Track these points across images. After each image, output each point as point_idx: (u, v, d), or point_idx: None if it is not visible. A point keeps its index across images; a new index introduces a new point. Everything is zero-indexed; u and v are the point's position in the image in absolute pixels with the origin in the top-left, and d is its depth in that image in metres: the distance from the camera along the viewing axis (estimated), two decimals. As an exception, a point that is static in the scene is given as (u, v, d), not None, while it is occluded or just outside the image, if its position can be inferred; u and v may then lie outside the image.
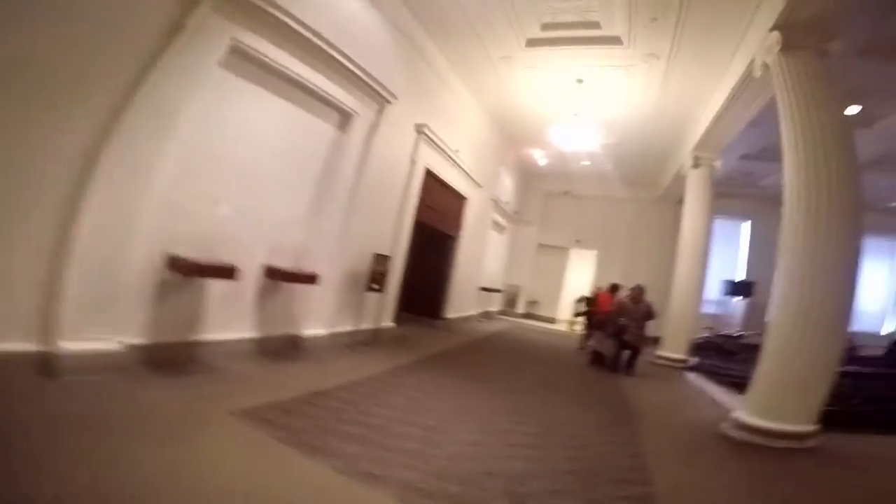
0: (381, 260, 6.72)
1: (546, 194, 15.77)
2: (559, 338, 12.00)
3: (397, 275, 7.70)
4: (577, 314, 10.60)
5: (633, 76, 8.03)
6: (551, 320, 15.08)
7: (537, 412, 4.76)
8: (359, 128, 6.17)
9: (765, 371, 4.62)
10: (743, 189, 13.05)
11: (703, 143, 9.03)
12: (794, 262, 4.55)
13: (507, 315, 15.01)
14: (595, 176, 14.08)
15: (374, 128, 6.40)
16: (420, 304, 9.95)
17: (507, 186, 14.11)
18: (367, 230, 6.68)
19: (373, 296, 6.82)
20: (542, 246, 15.68)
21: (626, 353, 8.10)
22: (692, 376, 8.45)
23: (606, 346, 8.21)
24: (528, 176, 15.35)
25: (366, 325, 6.90)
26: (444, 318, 10.24)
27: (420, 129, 7.80)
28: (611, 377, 7.53)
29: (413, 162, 7.77)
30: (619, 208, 14.74)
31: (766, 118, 8.22)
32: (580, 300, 10.52)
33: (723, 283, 12.85)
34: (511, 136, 12.29)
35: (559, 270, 15.50)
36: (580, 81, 8.45)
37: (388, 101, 6.44)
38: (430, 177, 8.54)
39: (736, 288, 12.59)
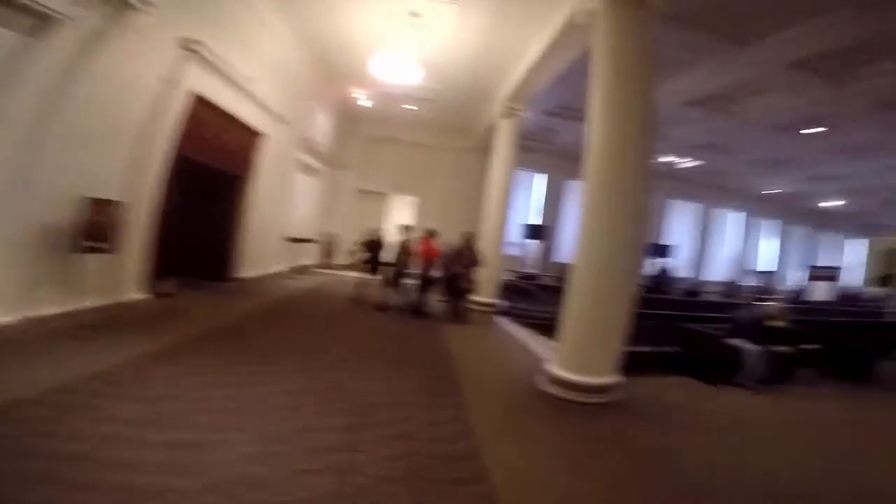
0: (104, 207, 4.59)
1: (367, 138, 14.51)
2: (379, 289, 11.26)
3: (144, 226, 5.58)
4: (363, 261, 8.62)
5: (467, 16, 7.44)
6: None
7: (347, 393, 3.82)
8: (70, 36, 4.09)
9: (569, 326, 4.59)
10: (542, 144, 14.00)
11: (517, 93, 9.04)
12: (593, 219, 4.54)
13: (326, 268, 13.56)
14: (417, 122, 13.54)
15: (99, 37, 4.38)
16: (199, 264, 7.84)
17: (323, 127, 12.35)
18: (75, 165, 4.44)
19: (97, 258, 4.68)
20: (361, 192, 14.47)
21: (444, 304, 7.81)
22: (502, 321, 8.66)
23: (400, 294, 8.17)
24: (350, 118, 13.87)
25: (91, 302, 4.76)
26: (237, 279, 8.33)
27: (188, 46, 5.75)
28: (431, 329, 7.14)
29: (171, 84, 5.59)
30: (438, 155, 14.44)
31: (575, 74, 8.24)
32: (364, 244, 8.70)
33: (521, 227, 13.82)
34: (332, 74, 10.78)
35: (380, 217, 14.63)
36: (415, 15, 7.37)
37: (134, 7, 4.56)
38: (204, 105, 6.44)
39: (531, 231, 13.71)
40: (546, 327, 7.33)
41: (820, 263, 18.28)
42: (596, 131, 4.65)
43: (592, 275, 4.47)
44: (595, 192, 4.56)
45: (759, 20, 6.57)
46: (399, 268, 8.07)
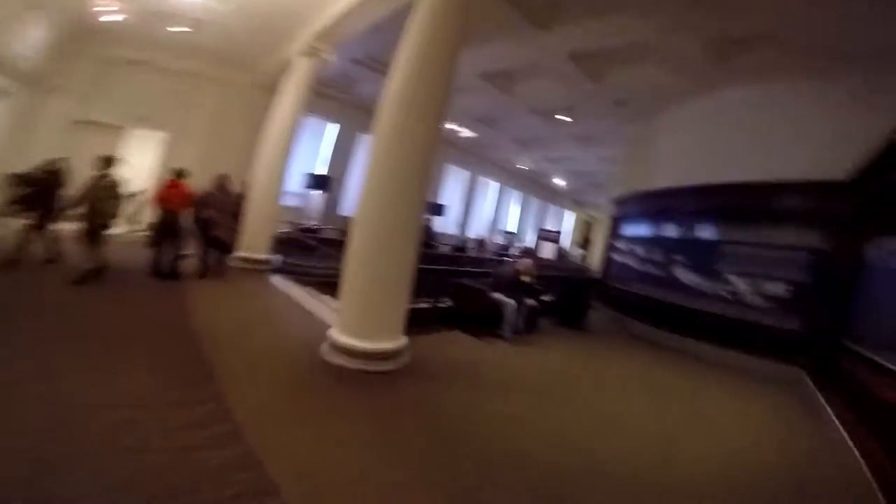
0: None
1: (107, 60, 10.52)
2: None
3: None
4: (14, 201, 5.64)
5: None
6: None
7: (37, 400, 2.53)
8: None
9: (352, 287, 4.31)
10: (339, 93, 12.82)
11: (327, 32, 8.01)
12: (381, 173, 4.35)
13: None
14: (186, 46, 10.43)
15: None
16: None
17: (31, 37, 8.42)
18: None
19: None
20: (81, 123, 10.46)
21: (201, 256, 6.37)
22: (277, 279, 7.71)
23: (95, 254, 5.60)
24: (84, 33, 9.77)
25: None
26: None
27: None
28: (177, 294, 5.70)
29: None
30: (204, 88, 11.69)
31: (393, 25, 7.71)
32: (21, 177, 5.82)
33: (304, 176, 12.62)
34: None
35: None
36: None
37: None
38: None
39: (316, 182, 12.67)
40: (330, 285, 6.70)
41: (547, 227, 23.04)
42: (397, 84, 4.36)
43: (377, 232, 4.24)
44: (385, 147, 4.32)
45: (565, 9, 7.13)
46: (93, 218, 5.46)
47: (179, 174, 6.61)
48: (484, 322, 6.31)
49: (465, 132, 15.66)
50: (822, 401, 5.47)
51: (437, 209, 15.64)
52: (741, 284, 8.10)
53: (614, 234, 11.82)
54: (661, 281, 9.57)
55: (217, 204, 6.96)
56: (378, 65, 10.83)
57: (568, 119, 12.52)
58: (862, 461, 3.79)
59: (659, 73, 8.54)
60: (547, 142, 15.51)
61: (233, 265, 7.92)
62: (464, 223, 19.03)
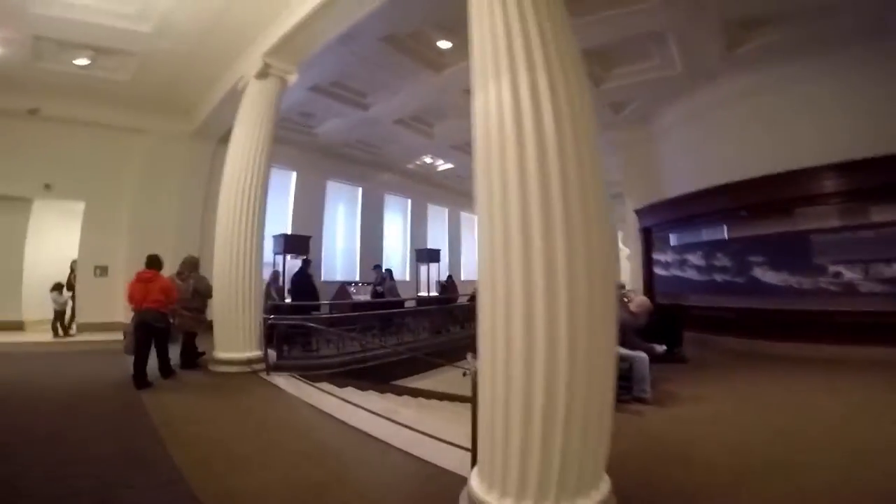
0: None
1: None
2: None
3: None
4: None
5: None
6: (16, 326, 7.89)
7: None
8: None
9: (506, 406, 2.09)
10: (296, 134, 10.60)
11: (285, 43, 6.01)
12: None
13: None
14: (95, 88, 7.94)
15: None
16: None
17: None
18: None
19: None
20: None
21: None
22: (282, 380, 5.17)
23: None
24: None
25: None
26: None
27: None
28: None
29: None
30: (127, 142, 9.06)
31: (365, 34, 6.31)
32: None
33: (275, 239, 9.97)
34: None
35: (14, 237, 8.22)
36: None
37: None
38: None
39: (290, 244, 10.05)
40: (355, 375, 5.60)
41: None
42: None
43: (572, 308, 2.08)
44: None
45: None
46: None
47: (153, 262, 5.14)
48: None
49: (442, 164, 13.91)
50: None
51: (434, 255, 13.47)
52: (850, 273, 6.58)
53: (649, 246, 10.14)
54: (737, 287, 7.88)
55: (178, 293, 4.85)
56: (346, 92, 8.91)
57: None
58: None
59: (664, 68, 7.60)
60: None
61: (212, 369, 5.39)
62: (454, 265, 16.90)
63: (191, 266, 5.91)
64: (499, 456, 2.09)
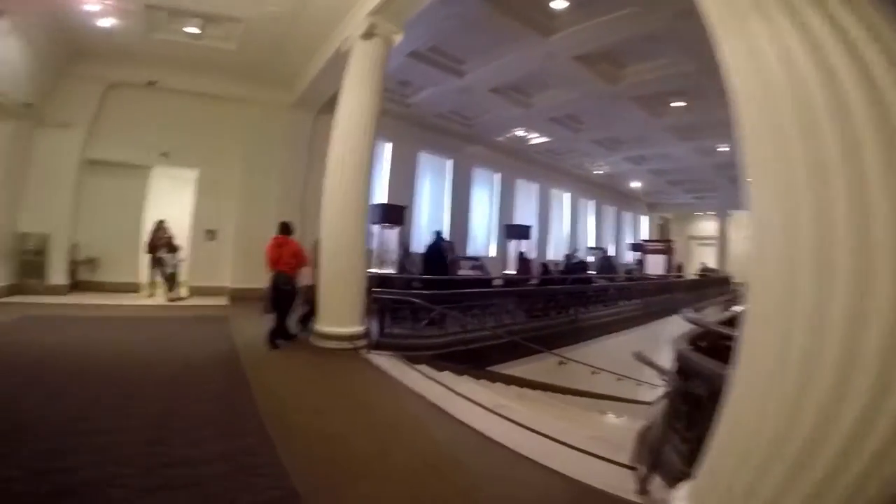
0: None
1: (109, 84, 8.28)
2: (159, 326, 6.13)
3: None
4: None
5: None
6: (133, 288, 8.40)
7: None
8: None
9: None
10: (392, 105, 10.25)
11: (389, 2, 5.45)
12: None
13: (29, 293, 7.36)
14: (201, 59, 8.09)
15: None
16: None
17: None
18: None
19: None
20: (96, 163, 8.34)
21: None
22: (383, 360, 4.93)
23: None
24: (74, 51, 7.61)
25: None
26: None
27: None
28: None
29: None
30: (235, 112, 9.22)
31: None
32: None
33: (373, 208, 9.82)
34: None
35: (135, 202, 8.80)
36: None
37: None
38: None
39: (387, 214, 9.90)
40: (464, 357, 5.20)
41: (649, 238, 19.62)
42: None
43: None
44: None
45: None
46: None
47: (285, 228, 5.34)
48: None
49: (536, 137, 12.89)
50: None
51: (524, 232, 12.73)
52: None
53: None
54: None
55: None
56: (443, 58, 8.31)
57: (681, 104, 9.62)
58: None
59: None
60: (638, 139, 12.52)
61: (315, 343, 5.29)
62: (542, 244, 16.00)
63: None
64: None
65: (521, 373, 6.78)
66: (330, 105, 8.13)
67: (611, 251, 18.81)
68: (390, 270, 9.39)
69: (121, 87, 8.34)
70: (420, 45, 7.77)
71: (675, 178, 17.08)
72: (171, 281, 8.16)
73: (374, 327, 5.57)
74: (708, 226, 23.19)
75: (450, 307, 5.82)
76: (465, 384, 4.76)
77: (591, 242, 18.67)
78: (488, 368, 6.34)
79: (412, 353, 5.34)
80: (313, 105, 9.24)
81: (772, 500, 1.49)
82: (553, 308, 7.61)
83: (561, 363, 7.67)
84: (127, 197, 8.66)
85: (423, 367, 4.95)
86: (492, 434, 3.13)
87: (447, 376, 4.85)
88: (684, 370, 2.74)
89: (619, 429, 5.31)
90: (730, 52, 1.77)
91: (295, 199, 9.23)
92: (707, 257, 22.34)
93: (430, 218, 12.42)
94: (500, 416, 3.52)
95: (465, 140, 12.76)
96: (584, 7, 6.30)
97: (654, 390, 12.79)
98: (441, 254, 7.61)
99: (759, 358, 1.63)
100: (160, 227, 8.11)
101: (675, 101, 9.54)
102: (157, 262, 8.04)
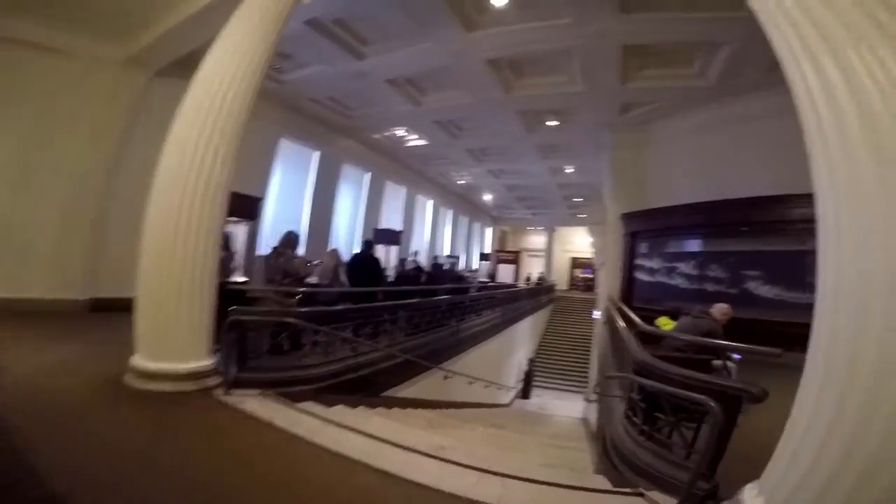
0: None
1: None
2: None
3: None
4: None
5: None
6: None
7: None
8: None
9: None
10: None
11: None
12: None
13: None
14: None
15: None
16: None
17: None
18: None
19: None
20: None
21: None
22: (258, 404, 3.37)
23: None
24: None
25: None
26: None
27: None
28: None
29: None
30: (18, 61, 5.92)
31: None
32: None
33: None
34: None
35: None
36: None
37: None
38: None
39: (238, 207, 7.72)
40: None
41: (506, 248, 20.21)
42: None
43: None
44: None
45: None
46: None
47: None
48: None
49: (414, 139, 12.14)
50: None
51: (394, 237, 11.70)
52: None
53: (633, 252, 9.55)
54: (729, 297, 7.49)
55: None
56: (348, 34, 6.95)
57: (554, 123, 10.07)
58: None
59: (697, 77, 7.16)
60: (505, 152, 12.86)
61: (133, 386, 3.35)
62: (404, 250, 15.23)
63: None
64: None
65: (412, 393, 6.06)
66: (177, 67, 6.24)
67: (462, 260, 19.26)
68: (239, 278, 7.29)
69: None
70: (324, 14, 6.20)
71: (523, 193, 18.36)
72: None
73: (225, 358, 3.82)
74: (537, 239, 26.04)
75: (336, 327, 4.43)
76: (374, 420, 3.62)
77: (447, 250, 18.78)
78: (382, 394, 5.25)
79: (289, 389, 3.86)
80: (153, 64, 6.70)
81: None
82: (438, 320, 6.83)
83: (446, 377, 7.11)
84: None
85: (308, 405, 3.59)
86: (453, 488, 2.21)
87: (340, 412, 3.64)
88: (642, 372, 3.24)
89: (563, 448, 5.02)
90: (800, 80, 1.94)
91: (98, 180, 6.48)
92: (535, 267, 25.00)
93: (283, 215, 10.36)
94: (450, 462, 2.57)
95: (339, 132, 11.17)
96: (523, 9, 5.80)
97: (508, 393, 13.21)
98: (375, 264, 6.33)
99: (833, 362, 1.73)
100: None
101: (550, 120, 9.88)
102: None
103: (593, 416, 8.00)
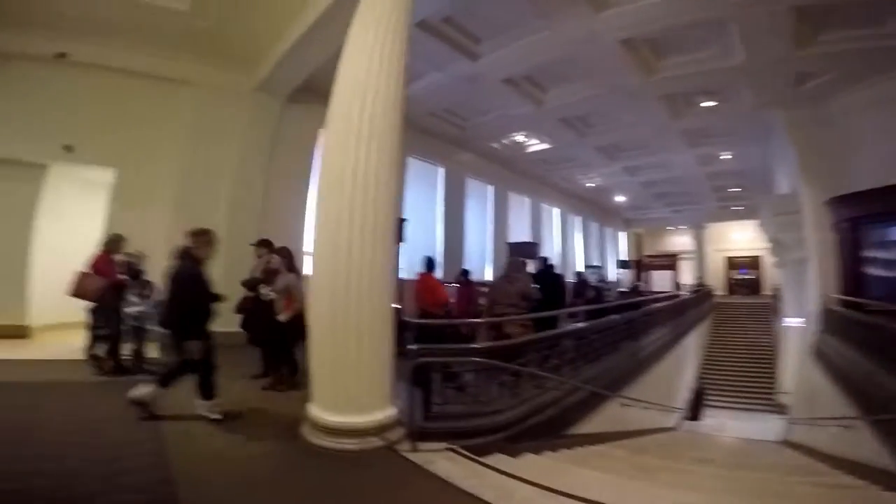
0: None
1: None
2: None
3: None
4: None
5: None
6: (15, 332, 5.61)
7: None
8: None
9: None
10: None
11: None
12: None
13: None
14: (134, 25, 5.71)
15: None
16: None
17: None
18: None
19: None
20: None
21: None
22: (451, 467, 2.64)
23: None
24: None
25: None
26: None
27: None
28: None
29: None
30: (169, 97, 6.66)
31: None
32: None
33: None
34: None
35: (21, 213, 6.06)
36: None
37: None
38: None
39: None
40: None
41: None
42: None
43: None
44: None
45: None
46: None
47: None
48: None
49: (535, 144, 11.14)
50: None
51: (530, 250, 10.78)
52: None
53: (857, 242, 7.16)
54: None
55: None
56: (461, 35, 6.42)
57: (711, 104, 8.26)
58: None
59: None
60: (642, 145, 11.09)
61: (313, 441, 2.91)
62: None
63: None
64: None
65: (592, 428, 4.98)
66: (303, 93, 6.53)
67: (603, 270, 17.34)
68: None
69: (12, 60, 5.66)
70: (432, 13, 5.76)
71: (663, 189, 15.96)
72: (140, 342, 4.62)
73: (406, 402, 3.22)
74: (680, 240, 22.53)
75: (522, 363, 3.58)
76: (575, 473, 2.72)
77: (581, 260, 17.08)
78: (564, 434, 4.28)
79: (476, 441, 3.11)
80: (280, 91, 6.99)
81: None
82: (616, 342, 5.63)
83: (622, 405, 5.88)
84: (9, 205, 5.84)
85: (495, 458, 2.81)
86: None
87: (539, 466, 2.80)
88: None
89: None
90: None
91: (251, 208, 6.83)
92: (684, 271, 21.57)
93: (419, 235, 10.16)
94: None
95: (457, 145, 10.76)
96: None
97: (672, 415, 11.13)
98: (558, 281, 5.78)
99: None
100: (117, 245, 4.86)
101: (704, 101, 8.15)
102: (112, 312, 4.48)
103: (803, 437, 6.46)
